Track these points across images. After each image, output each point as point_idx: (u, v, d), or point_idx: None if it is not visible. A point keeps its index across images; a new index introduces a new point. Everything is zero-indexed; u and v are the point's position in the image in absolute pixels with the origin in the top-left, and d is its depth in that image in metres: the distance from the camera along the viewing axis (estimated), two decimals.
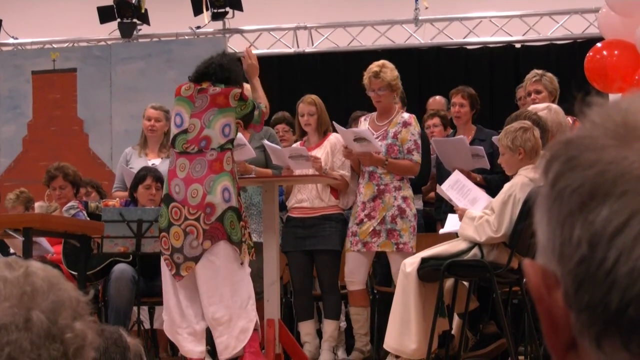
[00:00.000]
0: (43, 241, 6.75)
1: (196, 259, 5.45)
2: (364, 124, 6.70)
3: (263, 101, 5.86)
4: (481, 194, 5.88)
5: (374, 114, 6.74)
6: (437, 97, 8.37)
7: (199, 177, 5.50)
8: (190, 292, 5.54)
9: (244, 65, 5.99)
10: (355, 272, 6.56)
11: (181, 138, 5.60)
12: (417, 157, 6.56)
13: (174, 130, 5.66)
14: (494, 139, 6.43)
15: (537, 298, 0.79)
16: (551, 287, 0.78)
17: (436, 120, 7.60)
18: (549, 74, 6.88)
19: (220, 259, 5.45)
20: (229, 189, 5.48)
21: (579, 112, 0.80)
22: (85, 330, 1.31)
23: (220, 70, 5.67)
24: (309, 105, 6.90)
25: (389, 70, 6.53)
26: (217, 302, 5.45)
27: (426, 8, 9.80)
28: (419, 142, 6.61)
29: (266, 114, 5.94)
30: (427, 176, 7.40)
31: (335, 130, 6.80)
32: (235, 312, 5.46)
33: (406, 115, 6.67)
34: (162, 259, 5.62)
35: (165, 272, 5.59)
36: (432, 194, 7.61)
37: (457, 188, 5.94)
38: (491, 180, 6.67)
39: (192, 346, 5.57)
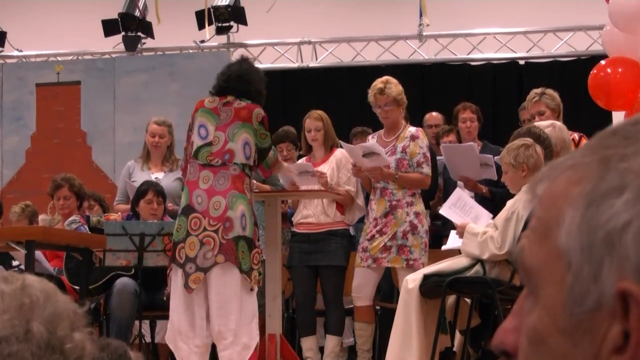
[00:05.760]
0: (43, 260, 6.76)
1: (206, 270, 5.43)
2: (372, 142, 6.66)
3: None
4: (483, 212, 5.86)
5: (381, 131, 6.72)
6: (434, 113, 8.33)
7: (222, 190, 5.51)
8: (206, 306, 5.53)
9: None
10: (362, 287, 6.53)
11: (205, 150, 5.61)
12: (427, 169, 6.53)
13: (197, 142, 5.63)
14: (497, 159, 6.42)
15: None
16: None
17: (452, 136, 7.52)
18: (549, 91, 6.77)
19: (231, 278, 5.45)
20: (245, 217, 5.48)
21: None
22: (84, 340, 1.31)
23: (240, 82, 5.68)
24: (315, 121, 6.91)
25: (394, 86, 6.52)
26: (225, 315, 5.44)
27: (427, 25, 9.82)
28: (428, 154, 6.59)
29: (275, 166, 5.89)
30: (435, 190, 7.38)
31: (341, 147, 6.79)
32: (240, 327, 5.45)
33: (413, 129, 6.65)
34: (169, 270, 5.59)
35: (176, 284, 5.57)
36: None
37: (459, 206, 5.92)
38: (496, 193, 6.65)
39: (196, 359, 5.55)
